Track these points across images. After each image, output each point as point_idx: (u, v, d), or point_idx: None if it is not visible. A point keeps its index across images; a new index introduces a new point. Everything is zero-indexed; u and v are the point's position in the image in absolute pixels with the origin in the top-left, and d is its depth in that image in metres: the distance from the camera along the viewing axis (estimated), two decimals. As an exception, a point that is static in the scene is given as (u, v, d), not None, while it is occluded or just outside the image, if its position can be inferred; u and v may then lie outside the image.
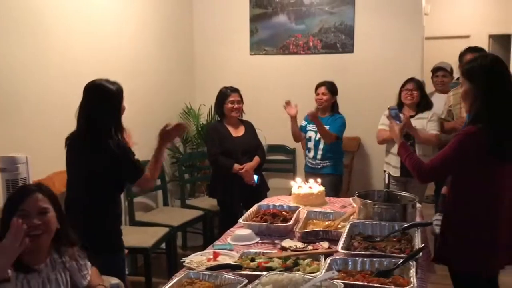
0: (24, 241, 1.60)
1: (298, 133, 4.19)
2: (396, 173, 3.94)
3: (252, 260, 2.03)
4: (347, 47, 4.75)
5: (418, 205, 2.82)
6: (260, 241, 2.41)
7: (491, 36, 8.16)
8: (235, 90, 3.91)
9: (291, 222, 2.50)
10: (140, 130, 4.27)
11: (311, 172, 4.11)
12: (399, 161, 3.91)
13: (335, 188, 4.05)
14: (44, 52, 3.21)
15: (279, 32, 4.90)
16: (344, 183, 4.49)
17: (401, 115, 2.76)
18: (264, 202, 3.03)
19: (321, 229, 2.44)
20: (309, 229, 2.53)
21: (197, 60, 5.20)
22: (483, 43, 7.35)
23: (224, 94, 3.89)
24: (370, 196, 2.67)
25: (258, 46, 4.99)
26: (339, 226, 2.53)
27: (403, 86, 3.98)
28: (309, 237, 2.39)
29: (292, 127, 4.13)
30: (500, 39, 7.88)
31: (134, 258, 3.91)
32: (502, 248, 2.19)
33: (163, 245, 3.83)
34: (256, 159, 3.88)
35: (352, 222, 2.43)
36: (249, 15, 4.97)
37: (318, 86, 4.11)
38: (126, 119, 4.12)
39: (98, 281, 2.00)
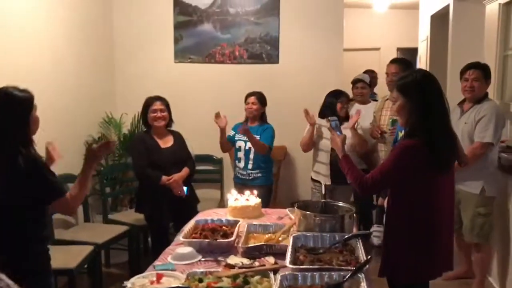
0: None
1: (227, 144, 4.15)
2: (327, 181, 4.02)
3: (200, 280, 1.95)
4: (273, 58, 4.80)
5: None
6: (203, 259, 2.32)
7: (398, 49, 8.72)
8: (159, 99, 3.77)
9: (233, 238, 2.44)
10: (56, 141, 3.98)
11: (242, 184, 4.08)
12: (329, 169, 4.02)
13: (266, 199, 4.05)
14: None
15: (204, 41, 4.84)
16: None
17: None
18: (201, 216, 2.94)
19: (264, 243, 2.41)
20: (251, 243, 2.49)
21: (118, 67, 4.98)
22: (392, 55, 7.83)
23: (147, 103, 3.76)
24: (308, 206, 2.70)
25: (183, 54, 4.89)
26: (280, 238, 2.52)
27: (338, 98, 4.07)
28: (253, 252, 2.35)
29: (221, 138, 4.08)
30: (407, 52, 8.44)
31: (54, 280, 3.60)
32: (442, 256, 2.31)
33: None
34: (185, 170, 3.77)
35: (294, 235, 2.42)
36: (173, 22, 4.85)
37: (248, 95, 4.11)
38: (41, 130, 3.87)
39: None
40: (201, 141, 4.73)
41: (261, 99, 4.09)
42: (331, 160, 4.00)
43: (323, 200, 2.75)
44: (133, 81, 4.91)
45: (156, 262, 2.27)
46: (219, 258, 2.31)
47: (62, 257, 3.24)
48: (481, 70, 3.41)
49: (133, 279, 2.04)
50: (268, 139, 4.04)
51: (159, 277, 2.03)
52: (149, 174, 3.63)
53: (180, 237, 2.44)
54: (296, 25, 4.80)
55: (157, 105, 3.74)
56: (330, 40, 4.82)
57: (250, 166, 4.06)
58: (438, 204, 2.28)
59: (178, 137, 3.87)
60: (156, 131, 3.76)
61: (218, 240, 2.41)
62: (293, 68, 4.84)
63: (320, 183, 4.12)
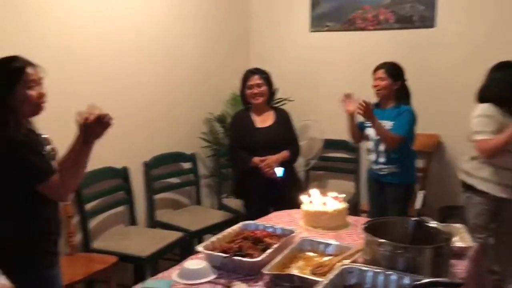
0: None
1: (357, 133, 3.33)
2: (498, 192, 2.88)
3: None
4: (427, 21, 3.76)
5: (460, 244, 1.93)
6: (214, 279, 1.76)
7: None
8: (256, 72, 3.23)
9: (262, 256, 1.80)
10: (182, 120, 3.83)
11: (375, 179, 3.28)
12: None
13: (404, 202, 3.15)
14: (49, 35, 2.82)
15: (344, 4, 4.07)
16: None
17: None
18: (260, 220, 2.34)
19: (296, 273, 1.70)
20: (294, 267, 1.81)
21: (253, 42, 4.56)
22: None
23: (244, 78, 3.25)
24: (390, 225, 1.86)
25: (319, 22, 4.21)
26: (337, 265, 1.77)
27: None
28: (280, 283, 1.68)
29: (350, 125, 3.27)
30: None
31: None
32: None
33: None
34: (283, 153, 3.17)
35: (345, 266, 1.65)
36: (310, -15, 4.20)
37: (375, 69, 3.22)
38: (168, 107, 3.66)
39: None
40: (336, 123, 4.01)
41: (392, 71, 3.15)
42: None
43: (414, 219, 1.86)
44: (267, 55, 4.44)
45: (151, 279, 1.79)
46: (235, 283, 1.71)
47: (142, 242, 3.04)
48: None
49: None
50: (402, 127, 3.07)
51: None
52: (237, 156, 3.19)
53: (200, 247, 1.90)
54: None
55: (254, 79, 3.21)
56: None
57: (382, 159, 3.19)
58: None
59: (281, 115, 3.28)
60: (255, 109, 3.26)
61: (237, 258, 1.80)
62: (455, 34, 3.70)
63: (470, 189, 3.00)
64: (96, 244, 3.05)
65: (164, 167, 3.70)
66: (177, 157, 3.82)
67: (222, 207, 3.92)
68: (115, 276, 2.79)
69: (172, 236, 3.18)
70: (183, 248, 3.31)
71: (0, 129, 1.75)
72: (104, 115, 1.73)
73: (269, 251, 1.83)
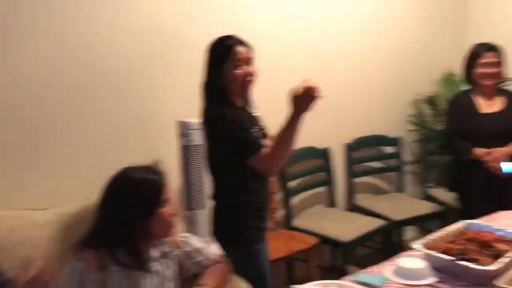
0: None
1: None
2: None
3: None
4: None
5: None
6: (435, 283, 1.55)
7: None
8: (492, 49, 2.77)
9: (498, 265, 1.51)
10: (387, 101, 3.64)
11: None
12: None
13: None
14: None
15: None
16: None
17: None
18: (483, 219, 2.01)
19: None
20: (536, 283, 1.49)
21: (473, 14, 4.02)
22: None
23: (474, 54, 2.82)
24: None
25: (562, -14, 3.49)
26: None
27: None
28: (520, 301, 1.39)
29: None
30: None
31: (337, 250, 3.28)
32: None
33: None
34: None
35: None
36: None
37: None
38: (372, 87, 3.55)
39: (208, 278, 1.62)
40: None
41: None
42: None
43: None
44: (490, 28, 3.85)
45: (362, 271, 1.65)
46: (459, 292, 1.48)
47: (343, 227, 2.94)
48: None
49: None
50: None
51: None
52: (455, 145, 2.80)
53: (417, 244, 1.69)
54: None
55: (490, 57, 2.78)
56: None
57: None
58: None
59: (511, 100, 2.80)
60: (481, 91, 2.83)
61: (464, 263, 1.54)
62: None
63: None
64: (296, 222, 3.06)
65: (366, 150, 3.53)
66: (379, 140, 3.61)
67: (427, 197, 3.58)
68: (314, 257, 2.76)
69: (373, 223, 3.01)
70: (384, 237, 3.13)
71: (212, 106, 1.83)
72: (312, 88, 1.66)
73: (504, 259, 1.54)
